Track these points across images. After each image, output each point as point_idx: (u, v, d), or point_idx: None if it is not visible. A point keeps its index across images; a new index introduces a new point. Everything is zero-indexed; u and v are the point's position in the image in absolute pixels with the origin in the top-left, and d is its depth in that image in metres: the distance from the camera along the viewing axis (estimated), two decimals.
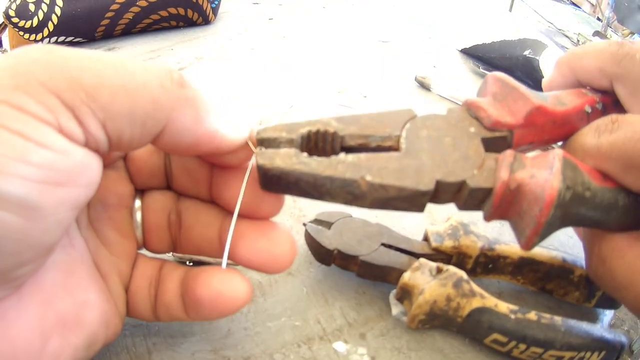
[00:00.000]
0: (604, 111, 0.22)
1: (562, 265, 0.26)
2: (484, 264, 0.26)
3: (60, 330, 0.16)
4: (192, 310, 0.19)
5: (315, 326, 0.24)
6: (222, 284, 0.17)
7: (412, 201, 0.18)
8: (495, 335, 0.22)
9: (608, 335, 0.23)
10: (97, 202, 0.18)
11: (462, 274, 0.23)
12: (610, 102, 0.22)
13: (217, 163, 0.18)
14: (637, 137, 0.18)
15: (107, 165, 0.18)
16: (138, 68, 0.14)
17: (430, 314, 0.23)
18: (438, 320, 0.23)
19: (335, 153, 0.18)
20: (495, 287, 0.27)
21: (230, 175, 0.18)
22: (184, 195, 0.20)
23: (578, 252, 0.29)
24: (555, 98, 0.21)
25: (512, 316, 0.22)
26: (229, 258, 0.18)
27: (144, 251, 0.21)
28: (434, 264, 0.23)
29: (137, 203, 0.20)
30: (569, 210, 0.18)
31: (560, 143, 0.22)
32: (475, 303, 0.22)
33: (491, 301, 0.23)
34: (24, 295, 0.15)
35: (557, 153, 0.18)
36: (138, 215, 0.20)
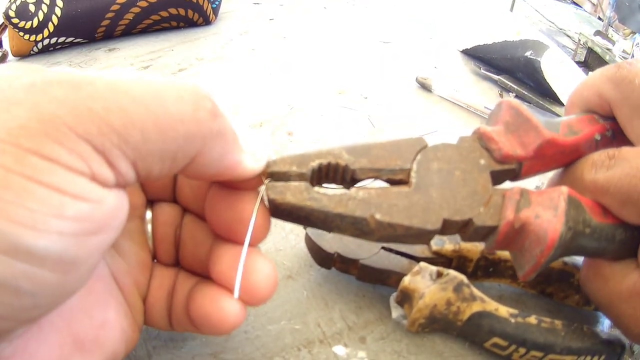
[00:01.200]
0: (613, 138, 0.22)
1: (562, 268, 0.25)
2: (485, 268, 0.26)
3: (79, 353, 0.15)
4: (194, 324, 0.18)
5: (315, 330, 0.24)
6: (211, 305, 0.17)
7: (419, 238, 0.18)
8: (496, 339, 0.22)
9: (608, 338, 0.23)
10: None
11: (463, 277, 0.23)
12: (619, 129, 0.22)
13: (222, 183, 0.18)
14: (632, 173, 0.18)
15: None
16: (170, 97, 0.13)
17: (430, 318, 0.23)
18: (438, 324, 0.23)
19: (346, 184, 0.19)
20: (496, 291, 0.27)
21: (224, 198, 0.18)
22: (187, 210, 0.20)
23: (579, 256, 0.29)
24: (567, 126, 0.21)
25: (512, 320, 0.22)
26: (214, 279, 0.18)
27: None
28: (434, 268, 0.23)
29: (148, 214, 0.19)
30: (568, 246, 0.18)
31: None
32: (476, 307, 0.22)
33: (491, 305, 0.23)
34: (44, 326, 0.14)
35: (562, 192, 0.19)
36: (149, 227, 0.19)
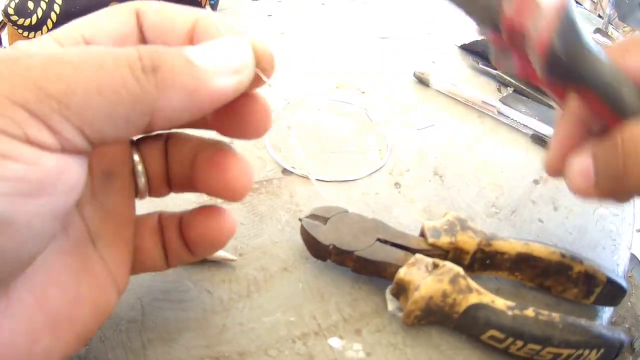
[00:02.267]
0: None
1: (560, 261, 0.25)
2: (481, 260, 0.25)
3: (50, 329, 0.15)
4: (194, 251, 0.20)
5: (311, 322, 0.23)
6: (207, 223, 0.19)
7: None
8: (492, 332, 0.22)
9: (607, 332, 0.23)
10: (101, 174, 0.18)
11: (459, 269, 0.23)
12: None
13: None
14: None
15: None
16: (109, 62, 0.13)
17: (426, 310, 0.22)
18: (434, 316, 0.23)
19: None
20: (493, 284, 0.27)
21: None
22: (171, 133, 0.20)
23: (577, 248, 0.29)
24: None
25: (510, 312, 0.22)
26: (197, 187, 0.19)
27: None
28: (430, 260, 0.23)
29: (136, 157, 0.19)
30: (573, 44, 0.19)
31: None
32: (472, 299, 0.22)
33: (488, 297, 0.23)
34: (13, 300, 0.14)
35: None
36: (140, 167, 0.19)
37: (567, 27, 0.19)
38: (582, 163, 0.21)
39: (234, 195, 0.19)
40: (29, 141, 0.12)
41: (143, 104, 0.13)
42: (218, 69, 0.15)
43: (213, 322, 0.23)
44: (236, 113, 0.17)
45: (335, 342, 0.23)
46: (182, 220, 0.20)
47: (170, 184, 0.20)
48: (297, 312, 0.24)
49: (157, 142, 0.20)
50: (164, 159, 0.20)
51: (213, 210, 0.20)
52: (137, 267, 0.20)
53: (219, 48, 0.15)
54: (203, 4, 0.49)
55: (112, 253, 0.18)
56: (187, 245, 0.20)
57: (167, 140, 0.20)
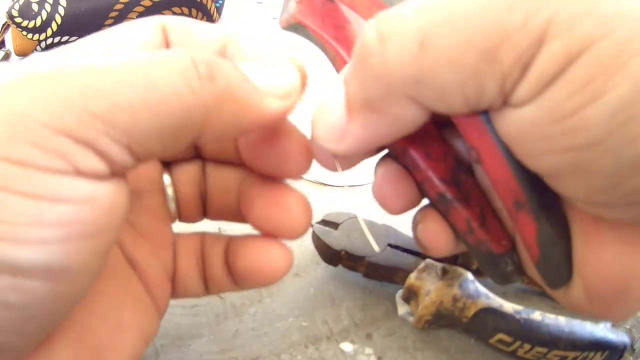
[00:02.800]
0: None
1: None
2: None
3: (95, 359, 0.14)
4: (239, 282, 0.18)
5: (323, 326, 0.24)
6: (260, 257, 0.17)
7: None
8: (501, 335, 0.23)
9: (611, 335, 0.23)
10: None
11: (468, 274, 0.23)
12: None
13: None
14: None
15: None
16: (157, 71, 0.12)
17: (436, 315, 0.23)
18: (444, 321, 0.23)
19: None
20: (501, 288, 0.27)
21: (257, 137, 0.17)
22: (209, 161, 0.19)
23: None
24: None
25: (517, 316, 0.23)
26: (249, 222, 0.18)
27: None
28: (440, 265, 0.24)
29: (167, 179, 0.18)
30: None
31: None
32: (481, 304, 0.23)
33: (496, 302, 0.23)
34: (54, 340, 0.13)
35: None
36: (170, 190, 0.18)
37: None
38: None
39: (292, 235, 0.17)
40: (79, 173, 0.11)
41: (196, 115, 0.12)
42: (270, 90, 0.14)
43: (225, 327, 0.23)
44: (275, 146, 0.16)
45: (347, 346, 0.23)
46: (229, 248, 0.18)
47: (205, 210, 0.19)
48: (309, 317, 0.24)
49: (191, 166, 0.18)
50: (200, 184, 0.19)
51: (268, 241, 0.17)
52: (175, 291, 0.19)
53: (270, 70, 0.15)
54: (209, 8, 0.49)
55: (150, 275, 0.17)
56: (231, 274, 0.18)
57: (205, 165, 0.19)
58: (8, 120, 0.10)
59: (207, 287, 0.19)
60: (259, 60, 0.15)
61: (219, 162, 0.19)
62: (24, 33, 0.43)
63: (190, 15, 0.48)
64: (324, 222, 0.26)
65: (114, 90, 0.11)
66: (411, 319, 0.24)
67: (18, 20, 0.43)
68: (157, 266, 0.17)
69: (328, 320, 0.24)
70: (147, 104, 0.11)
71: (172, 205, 0.18)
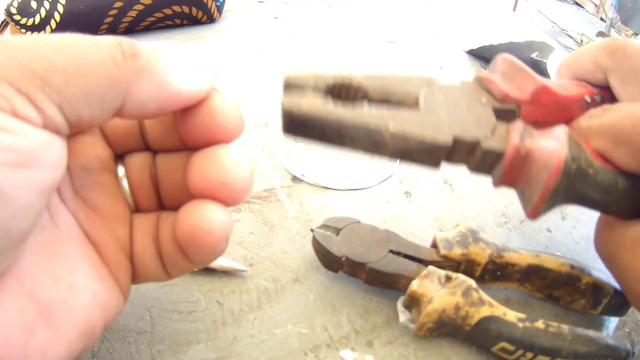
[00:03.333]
0: (602, 103, 0.23)
1: (569, 272, 0.25)
2: (492, 272, 0.25)
3: (45, 321, 0.15)
4: (187, 254, 0.18)
5: (322, 334, 0.23)
6: (193, 220, 0.16)
7: (430, 155, 0.19)
8: (503, 344, 0.22)
9: (614, 342, 0.23)
10: (79, 169, 0.18)
11: (471, 282, 0.23)
12: (608, 97, 0.23)
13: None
14: (623, 115, 0.20)
15: (81, 132, 0.18)
16: (89, 46, 0.14)
17: (438, 322, 0.22)
18: (446, 329, 0.23)
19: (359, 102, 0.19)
20: (503, 294, 0.27)
21: (187, 114, 0.17)
22: (160, 151, 0.20)
23: (585, 259, 0.29)
24: (559, 84, 0.23)
25: (520, 325, 0.22)
26: (191, 190, 0.17)
27: None
28: (442, 272, 0.23)
29: (121, 170, 0.19)
30: (573, 183, 0.19)
31: None
32: (484, 312, 0.22)
33: (499, 310, 0.23)
34: (1, 289, 0.14)
35: (563, 128, 0.20)
36: (125, 183, 0.19)
37: (559, 195, 0.19)
38: None
39: (231, 196, 0.17)
40: (17, 114, 0.13)
41: (118, 85, 0.14)
42: (185, 72, 0.16)
43: (223, 333, 0.23)
44: (202, 113, 0.17)
45: (347, 354, 0.23)
46: (174, 221, 0.18)
47: (160, 198, 0.19)
48: (308, 324, 0.24)
49: (142, 155, 0.19)
50: (151, 172, 0.19)
51: (201, 201, 0.17)
52: (136, 274, 0.19)
53: (185, 57, 0.16)
54: (209, 6, 0.48)
55: (106, 249, 0.18)
56: (183, 252, 0.18)
57: (156, 156, 0.19)
58: None
59: (166, 268, 0.19)
60: (176, 49, 0.17)
61: (168, 151, 0.19)
62: (23, 31, 0.43)
63: (190, 13, 0.48)
64: (325, 227, 0.25)
65: (52, 55, 0.13)
66: (412, 326, 0.23)
67: (17, 17, 0.42)
68: (112, 241, 0.18)
69: (328, 327, 0.24)
70: (78, 70, 0.14)
71: (128, 195, 0.19)
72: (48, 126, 0.14)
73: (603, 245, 0.22)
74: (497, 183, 0.20)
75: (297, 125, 0.18)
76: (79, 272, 0.16)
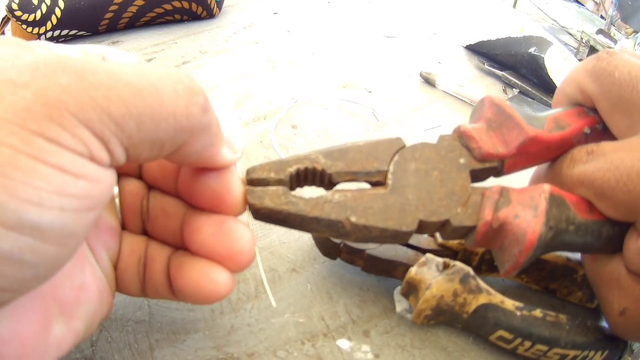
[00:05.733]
0: (605, 130, 0.21)
1: (566, 264, 0.25)
2: (490, 262, 0.25)
3: (61, 316, 0.16)
4: (177, 294, 0.19)
5: (319, 323, 0.23)
6: (202, 276, 0.18)
7: (395, 238, 0.19)
8: (501, 332, 0.22)
9: (611, 334, 0.23)
10: None
11: (469, 269, 0.23)
12: None
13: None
14: (605, 167, 0.18)
15: None
16: (166, 91, 0.14)
17: (436, 309, 0.22)
18: (444, 316, 0.23)
19: (324, 186, 0.19)
20: (500, 285, 0.27)
21: (199, 175, 0.18)
22: (152, 187, 0.20)
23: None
24: (554, 121, 0.21)
25: (518, 313, 0.22)
26: (191, 249, 0.18)
27: None
28: (440, 259, 0.23)
29: (115, 190, 0.20)
30: (549, 245, 0.19)
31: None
32: (482, 299, 0.22)
33: (497, 298, 0.23)
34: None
35: (544, 190, 0.19)
36: (117, 201, 0.20)
37: (532, 256, 0.18)
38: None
39: (235, 267, 0.18)
40: (93, 160, 0.13)
41: (182, 136, 0.15)
42: (228, 140, 0.17)
43: (221, 323, 0.23)
44: (211, 185, 0.18)
45: (343, 343, 0.23)
46: (173, 259, 0.19)
47: (146, 229, 0.20)
48: (305, 313, 0.24)
49: (138, 183, 0.20)
50: (142, 202, 0.20)
51: (212, 264, 0.18)
52: (116, 282, 0.20)
53: (229, 127, 0.17)
54: (209, 2, 0.48)
55: (99, 258, 0.18)
56: (171, 285, 0.19)
57: (150, 189, 0.20)
58: (45, 102, 0.12)
59: (145, 289, 0.20)
60: (225, 123, 0.17)
61: (161, 190, 0.20)
62: (24, 26, 0.43)
63: (190, 9, 0.48)
64: None
65: (130, 100, 0.13)
66: (409, 316, 0.24)
67: (18, 13, 0.42)
68: (102, 249, 0.19)
69: (325, 317, 0.24)
70: (152, 118, 0.14)
71: (118, 212, 0.20)
72: (113, 165, 0.14)
73: (588, 274, 0.22)
74: (471, 247, 0.21)
75: (263, 217, 0.18)
76: (86, 272, 0.17)
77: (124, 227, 0.20)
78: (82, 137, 0.12)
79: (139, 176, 0.20)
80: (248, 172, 0.18)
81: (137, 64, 0.14)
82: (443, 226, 0.19)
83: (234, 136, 0.17)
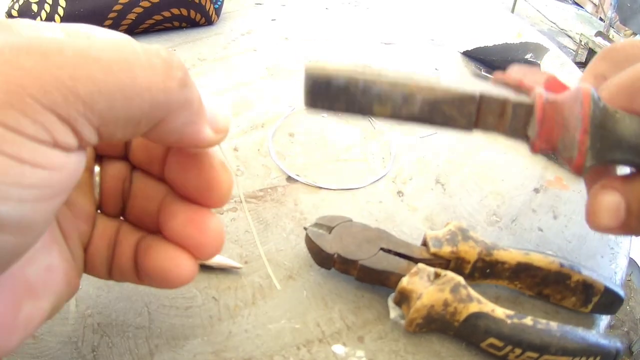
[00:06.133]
0: None
1: (559, 270, 0.26)
2: (482, 269, 0.26)
3: (29, 296, 0.16)
4: (142, 277, 0.19)
5: (315, 329, 0.24)
6: (167, 260, 0.18)
7: (461, 108, 0.18)
8: (492, 340, 0.23)
9: (603, 340, 0.23)
10: None
11: (460, 279, 0.23)
12: None
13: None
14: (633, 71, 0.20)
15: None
16: (140, 65, 0.13)
17: (427, 318, 0.23)
18: (435, 324, 0.23)
19: None
20: (493, 292, 0.27)
21: (186, 159, 0.18)
22: (137, 168, 0.20)
23: (576, 257, 0.30)
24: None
25: (509, 321, 0.23)
26: (164, 234, 0.18)
27: None
28: (432, 269, 0.24)
29: (97, 168, 0.19)
30: (605, 122, 0.18)
31: None
32: (472, 308, 0.23)
33: (488, 306, 0.23)
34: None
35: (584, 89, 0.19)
36: (97, 179, 0.20)
37: (599, 135, 0.18)
38: (611, 201, 0.21)
39: (201, 256, 0.18)
40: (57, 146, 0.12)
41: (159, 111, 0.14)
42: (213, 116, 0.16)
43: (219, 328, 0.24)
44: (199, 174, 0.18)
45: (338, 349, 0.23)
46: (142, 242, 0.19)
47: (125, 211, 0.20)
48: (301, 320, 0.24)
49: (121, 164, 0.20)
50: (124, 184, 0.20)
51: (178, 249, 0.18)
52: (85, 264, 0.20)
53: (213, 101, 0.17)
54: (207, 9, 0.49)
55: (69, 238, 0.18)
56: (137, 268, 0.19)
57: (133, 170, 0.20)
58: (6, 89, 0.11)
59: (111, 271, 0.20)
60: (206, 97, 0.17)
61: (145, 172, 0.20)
62: None
63: (188, 16, 0.49)
64: (318, 226, 0.26)
65: (99, 77, 0.12)
66: (403, 322, 0.24)
67: None
68: (75, 234, 0.18)
69: (320, 323, 0.24)
70: (125, 95, 0.13)
71: (97, 193, 0.19)
72: (82, 147, 0.13)
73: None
74: (536, 141, 0.19)
75: (321, 89, 0.17)
76: (54, 254, 0.17)
77: (101, 208, 0.20)
78: (44, 122, 0.12)
79: (124, 157, 0.20)
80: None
81: (116, 40, 0.14)
82: (503, 111, 0.19)
83: (219, 115, 0.17)
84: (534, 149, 0.19)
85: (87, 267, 0.20)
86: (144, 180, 0.20)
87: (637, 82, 0.20)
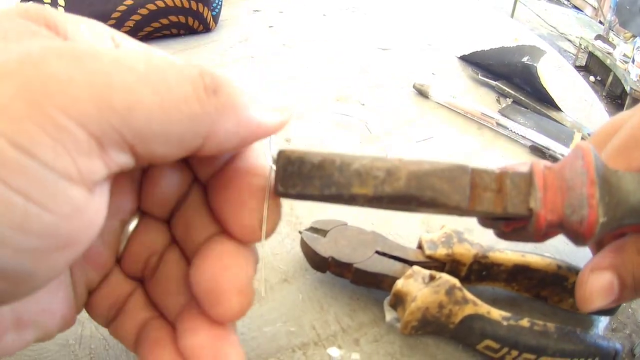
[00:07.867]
0: None
1: (556, 272, 0.26)
2: (478, 272, 0.26)
3: (15, 329, 0.14)
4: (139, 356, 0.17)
5: (310, 332, 0.24)
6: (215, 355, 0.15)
7: (452, 180, 0.15)
8: (488, 342, 0.23)
9: (601, 342, 0.23)
10: None
11: (455, 281, 0.23)
12: None
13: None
14: (628, 130, 0.20)
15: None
16: (173, 76, 0.12)
17: (422, 321, 0.23)
18: (430, 327, 0.23)
19: None
20: (490, 294, 0.27)
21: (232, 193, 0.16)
22: (175, 242, 0.18)
23: (574, 260, 0.30)
24: None
25: (505, 323, 0.23)
26: (178, 344, 0.16)
27: None
28: (426, 272, 0.24)
29: (133, 224, 0.17)
30: (611, 185, 0.17)
31: None
32: (468, 310, 0.23)
33: (484, 308, 0.23)
34: None
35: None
36: (129, 230, 0.17)
37: (606, 188, 0.17)
38: (604, 283, 0.20)
39: (248, 231, 0.16)
40: (79, 179, 0.10)
41: (201, 124, 0.12)
42: (264, 104, 0.15)
43: None
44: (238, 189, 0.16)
45: (334, 351, 0.23)
46: (146, 329, 0.17)
47: (145, 282, 0.18)
48: (297, 322, 0.24)
49: (160, 236, 0.18)
50: (153, 260, 0.18)
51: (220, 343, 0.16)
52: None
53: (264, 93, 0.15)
54: (205, 16, 0.49)
55: (77, 286, 0.17)
56: (135, 344, 0.17)
57: (166, 252, 0.18)
58: (27, 97, 0.09)
59: (110, 328, 0.18)
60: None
61: (182, 250, 0.18)
62: None
63: (186, 23, 0.49)
64: (313, 229, 0.26)
65: (136, 87, 0.11)
66: (398, 325, 0.24)
67: None
68: (82, 277, 0.17)
69: (316, 326, 0.24)
70: (162, 107, 0.11)
71: (122, 247, 0.17)
72: (110, 174, 0.11)
73: None
74: (541, 212, 0.17)
75: (293, 168, 0.15)
76: (55, 298, 0.15)
77: (119, 262, 0.18)
78: (69, 142, 0.10)
79: (167, 221, 0.17)
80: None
81: (144, 48, 0.13)
82: (500, 189, 0.17)
83: (272, 98, 0.15)
84: (539, 224, 0.17)
85: (86, 309, 0.18)
86: (175, 264, 0.17)
87: (630, 139, 0.20)
